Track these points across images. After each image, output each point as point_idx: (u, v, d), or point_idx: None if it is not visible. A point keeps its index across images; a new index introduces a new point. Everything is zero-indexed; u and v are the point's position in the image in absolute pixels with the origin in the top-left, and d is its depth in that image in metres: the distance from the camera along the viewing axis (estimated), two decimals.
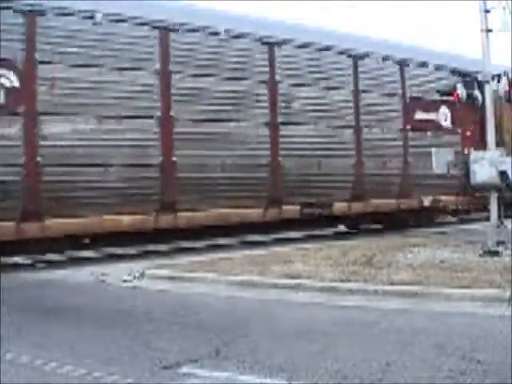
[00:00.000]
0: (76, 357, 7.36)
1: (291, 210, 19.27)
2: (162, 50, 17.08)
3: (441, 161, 22.33)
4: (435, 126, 23.21)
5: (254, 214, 18.50)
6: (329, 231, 21.75)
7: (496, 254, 13.91)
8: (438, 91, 23.10)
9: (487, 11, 15.37)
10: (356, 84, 21.23)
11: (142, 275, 13.47)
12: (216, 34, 18.24)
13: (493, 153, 15.41)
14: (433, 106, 23.25)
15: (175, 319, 9.62)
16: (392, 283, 11.29)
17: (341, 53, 21.08)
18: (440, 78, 23.63)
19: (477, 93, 22.03)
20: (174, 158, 16.99)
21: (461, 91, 20.20)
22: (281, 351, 7.48)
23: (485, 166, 15.02)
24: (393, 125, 22.25)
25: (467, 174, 20.49)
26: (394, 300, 10.56)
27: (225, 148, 18.10)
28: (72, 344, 8.00)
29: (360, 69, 21.38)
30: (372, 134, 21.51)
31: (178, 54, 17.46)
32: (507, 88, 17.09)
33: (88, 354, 7.50)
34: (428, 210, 22.90)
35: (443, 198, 23.01)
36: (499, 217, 15.19)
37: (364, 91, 21.37)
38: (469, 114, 23.47)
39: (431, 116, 23.15)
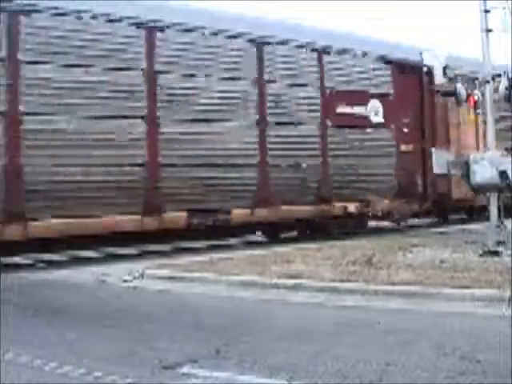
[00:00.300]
0: (76, 357, 7.36)
1: (176, 217, 16.81)
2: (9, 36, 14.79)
3: (440, 161, 22.20)
4: (363, 121, 20.79)
5: (128, 222, 16.03)
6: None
7: (496, 254, 13.91)
8: (437, 91, 22.80)
9: (487, 11, 15.37)
10: (260, 73, 18.65)
11: (143, 275, 13.47)
12: (63, 14, 15.60)
13: (493, 153, 15.41)
14: (361, 99, 20.84)
15: (175, 319, 9.63)
16: (392, 283, 11.29)
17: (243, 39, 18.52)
18: (373, 68, 21.42)
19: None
20: (21, 160, 14.83)
21: (462, 92, 19.90)
22: (281, 351, 7.48)
23: (485, 166, 15.01)
24: (308, 119, 19.69)
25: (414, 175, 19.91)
26: (394, 300, 10.56)
27: (91, 147, 15.63)
28: (72, 344, 8.00)
29: (266, 56, 18.83)
30: (281, 130, 19.00)
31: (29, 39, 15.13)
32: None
33: (88, 353, 7.50)
34: (356, 215, 20.38)
35: (374, 202, 20.67)
36: (499, 217, 15.20)
37: (270, 81, 18.87)
38: (406, 107, 21.78)
39: (358, 110, 20.69)
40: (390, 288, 11.06)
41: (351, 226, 20.38)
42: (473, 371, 6.51)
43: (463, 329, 8.55)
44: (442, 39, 41.70)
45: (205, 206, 17.31)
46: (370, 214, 20.86)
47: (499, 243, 14.50)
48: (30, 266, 15.46)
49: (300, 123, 19.51)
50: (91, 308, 10.70)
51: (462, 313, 9.57)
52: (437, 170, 22.16)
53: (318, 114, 19.88)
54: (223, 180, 17.68)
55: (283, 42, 19.30)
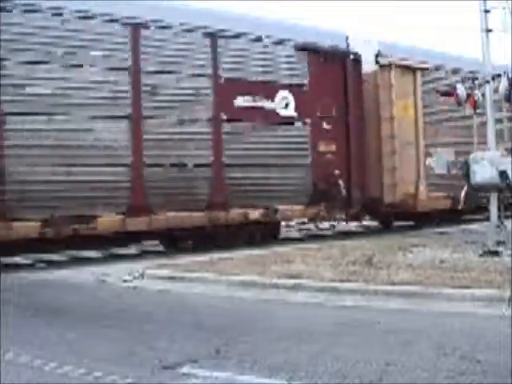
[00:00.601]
0: (76, 357, 7.36)
1: (25, 227, 14.46)
2: None
3: (440, 161, 22.02)
4: (268, 115, 18.51)
5: None
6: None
7: (496, 254, 13.92)
8: (437, 91, 22.53)
9: (487, 11, 15.38)
10: (136, 61, 16.27)
11: (143, 275, 13.47)
12: None
13: (493, 153, 15.41)
14: (264, 90, 18.51)
15: (175, 319, 9.62)
16: (392, 283, 11.28)
17: (112, 21, 16.06)
18: (281, 56, 19.07)
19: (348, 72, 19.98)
20: None
21: (461, 91, 19.61)
22: (281, 351, 7.48)
23: (485, 166, 15.00)
24: (197, 114, 17.32)
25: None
26: (394, 300, 10.56)
27: None
28: (72, 344, 8.00)
29: (143, 42, 16.49)
30: (161, 126, 16.68)
31: None
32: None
33: (88, 353, 7.50)
34: (263, 223, 18.40)
35: (283, 208, 18.67)
36: (499, 217, 15.20)
37: (148, 72, 16.51)
38: (325, 100, 19.59)
39: (261, 102, 18.39)
40: (389, 288, 11.06)
41: (257, 235, 18.40)
42: (473, 371, 6.51)
43: (463, 329, 8.55)
44: (442, 39, 41.75)
45: (60, 213, 14.96)
46: (280, 220, 19.40)
47: (499, 243, 14.51)
48: (30, 266, 15.47)
49: (186, 117, 17.13)
50: (91, 308, 10.70)
51: (461, 313, 9.56)
52: (437, 170, 21.95)
53: (209, 107, 17.51)
54: (86, 183, 15.38)
55: (167, 26, 16.96)
